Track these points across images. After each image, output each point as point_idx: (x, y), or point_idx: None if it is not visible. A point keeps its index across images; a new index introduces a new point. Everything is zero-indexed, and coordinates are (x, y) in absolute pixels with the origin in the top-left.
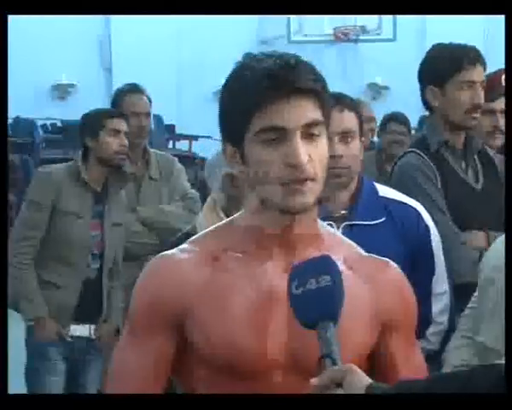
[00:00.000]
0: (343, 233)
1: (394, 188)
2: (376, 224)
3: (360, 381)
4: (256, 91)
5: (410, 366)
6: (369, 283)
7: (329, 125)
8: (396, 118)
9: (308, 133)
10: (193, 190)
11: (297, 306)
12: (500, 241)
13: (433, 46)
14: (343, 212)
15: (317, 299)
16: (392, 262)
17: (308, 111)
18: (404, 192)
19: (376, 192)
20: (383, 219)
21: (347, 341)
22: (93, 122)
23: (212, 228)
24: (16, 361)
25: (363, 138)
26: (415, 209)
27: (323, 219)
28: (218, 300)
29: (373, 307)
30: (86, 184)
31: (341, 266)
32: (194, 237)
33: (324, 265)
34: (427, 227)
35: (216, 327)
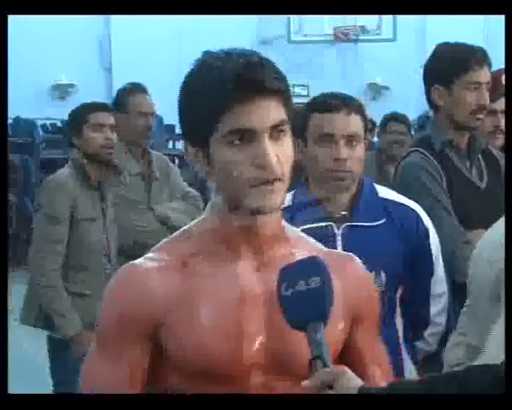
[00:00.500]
0: (343, 234)
1: (398, 187)
2: (376, 225)
3: (352, 383)
4: (224, 92)
5: (376, 360)
6: (336, 278)
7: (336, 128)
8: (396, 118)
9: (275, 133)
10: (191, 189)
11: (287, 307)
12: (484, 239)
13: (439, 45)
14: (343, 213)
15: (306, 300)
16: (355, 257)
17: (275, 111)
18: (408, 191)
19: (376, 193)
20: (383, 220)
21: (327, 337)
22: (76, 118)
23: (177, 233)
24: (16, 361)
25: (365, 142)
26: (414, 211)
27: (324, 219)
28: (190, 306)
29: (344, 301)
30: (92, 185)
31: None
32: (159, 244)
33: (314, 266)
34: (426, 229)
35: (191, 333)
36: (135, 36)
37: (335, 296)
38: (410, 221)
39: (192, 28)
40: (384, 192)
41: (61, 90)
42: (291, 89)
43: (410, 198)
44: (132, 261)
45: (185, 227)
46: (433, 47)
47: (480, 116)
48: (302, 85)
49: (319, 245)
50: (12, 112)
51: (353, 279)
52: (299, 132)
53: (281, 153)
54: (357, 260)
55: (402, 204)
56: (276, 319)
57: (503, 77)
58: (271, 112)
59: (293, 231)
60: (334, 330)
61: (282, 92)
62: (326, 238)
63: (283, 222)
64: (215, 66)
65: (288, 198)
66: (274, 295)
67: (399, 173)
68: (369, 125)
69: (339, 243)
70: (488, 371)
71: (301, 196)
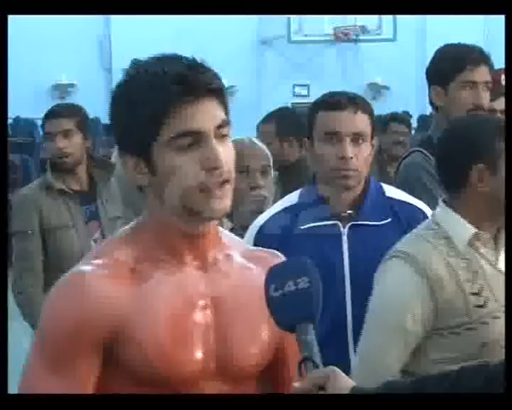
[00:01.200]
0: (349, 233)
1: (399, 187)
2: (382, 224)
3: (344, 384)
4: (168, 95)
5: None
6: (264, 275)
7: (341, 126)
8: (396, 118)
9: (219, 135)
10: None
11: (276, 308)
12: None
13: (441, 46)
14: (349, 212)
15: (295, 301)
16: (279, 254)
17: (217, 111)
18: (408, 191)
19: (383, 193)
20: (389, 219)
21: (266, 333)
22: (42, 128)
23: (116, 237)
24: (16, 361)
25: (373, 141)
26: (421, 210)
27: (329, 218)
28: (140, 312)
29: None
30: (65, 192)
31: (241, 261)
32: (99, 249)
33: (302, 266)
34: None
35: (142, 340)
36: (135, 36)
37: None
38: (417, 221)
39: (192, 28)
40: (391, 191)
41: (61, 90)
42: (226, 90)
43: None
44: (78, 268)
45: (124, 230)
46: (433, 47)
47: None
48: (302, 85)
49: (245, 244)
50: (12, 112)
51: None
52: (306, 131)
53: (227, 154)
54: (282, 256)
55: (409, 203)
56: (223, 323)
57: (503, 77)
58: (215, 112)
59: (224, 232)
60: (273, 330)
61: (221, 93)
62: (331, 237)
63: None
64: (154, 70)
65: (294, 197)
66: (220, 299)
67: (400, 173)
68: None
69: (344, 241)
70: (481, 370)
71: (308, 194)
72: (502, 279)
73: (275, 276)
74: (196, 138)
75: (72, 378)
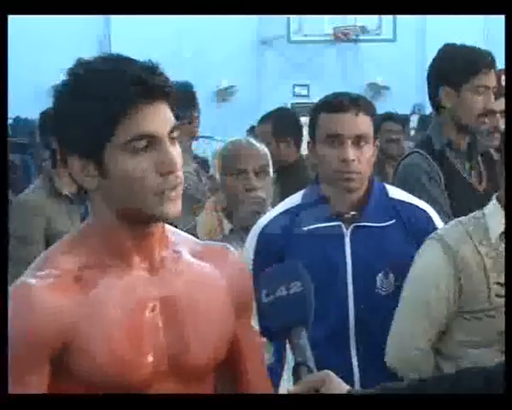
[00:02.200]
0: (352, 234)
1: (398, 187)
2: (385, 226)
3: (339, 387)
4: (124, 98)
5: (253, 349)
6: (218, 268)
7: (343, 128)
8: (391, 117)
9: (171, 138)
10: None
11: (267, 314)
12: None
13: (447, 46)
14: (353, 213)
15: (288, 306)
16: (229, 246)
17: (169, 115)
18: (407, 192)
19: (386, 193)
20: (392, 221)
21: (219, 330)
22: None
23: (58, 245)
24: None
25: (376, 143)
26: (424, 211)
27: (332, 219)
28: (89, 320)
29: (228, 291)
30: (68, 198)
31: (190, 257)
32: (42, 258)
33: (293, 271)
34: (436, 229)
35: (92, 347)
36: (135, 36)
37: (222, 289)
38: (420, 222)
39: (192, 28)
40: (394, 193)
41: None
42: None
43: None
44: (21, 281)
45: (66, 238)
46: (433, 47)
47: (486, 120)
48: (302, 85)
49: (195, 239)
50: (12, 112)
51: (231, 268)
52: (309, 132)
53: (179, 158)
54: (232, 248)
55: (412, 205)
56: (175, 324)
57: (502, 77)
58: (167, 116)
59: (171, 230)
60: (225, 324)
61: (173, 96)
62: (334, 238)
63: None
64: (109, 70)
65: (297, 198)
66: (170, 299)
67: (399, 173)
68: None
69: (347, 242)
70: (481, 371)
71: (310, 195)
72: None
73: (266, 281)
74: (151, 141)
75: (26, 389)
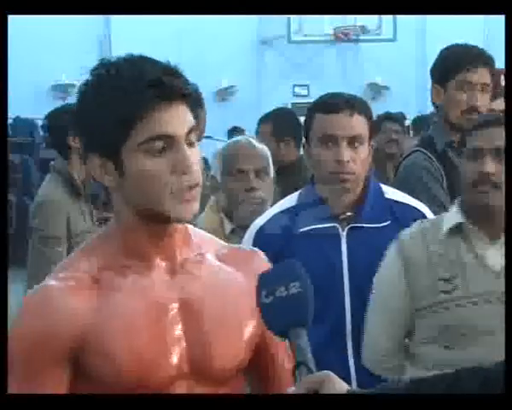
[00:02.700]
0: (348, 235)
1: (399, 187)
2: (381, 226)
3: (338, 387)
4: (141, 99)
5: (282, 353)
6: (242, 272)
7: (338, 129)
8: (390, 117)
9: (189, 140)
10: None
11: (268, 314)
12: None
13: (447, 46)
14: (349, 214)
15: (287, 306)
16: (258, 250)
17: (188, 117)
18: (409, 191)
19: (382, 194)
20: (389, 221)
21: (242, 334)
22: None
23: (81, 248)
24: None
25: (372, 143)
26: (420, 212)
27: (328, 220)
28: (108, 322)
29: (253, 294)
30: (80, 194)
31: (215, 260)
32: (65, 262)
33: (292, 271)
34: None
35: (111, 350)
36: (135, 36)
37: (248, 293)
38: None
39: (192, 28)
40: (391, 193)
41: (61, 90)
42: (200, 97)
43: None
44: (43, 283)
45: (90, 240)
46: (433, 47)
47: (473, 117)
48: (302, 85)
49: (222, 242)
50: (12, 112)
51: (257, 272)
52: (304, 133)
53: (196, 159)
54: (260, 252)
55: (408, 205)
56: (195, 325)
57: (502, 77)
58: (186, 117)
59: (196, 232)
60: (251, 328)
61: (192, 98)
62: (331, 239)
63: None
64: (129, 72)
65: (293, 198)
66: (190, 301)
67: (400, 173)
68: None
69: (343, 243)
70: (479, 372)
71: (306, 196)
72: (484, 273)
73: (266, 281)
74: (168, 143)
75: (38, 390)
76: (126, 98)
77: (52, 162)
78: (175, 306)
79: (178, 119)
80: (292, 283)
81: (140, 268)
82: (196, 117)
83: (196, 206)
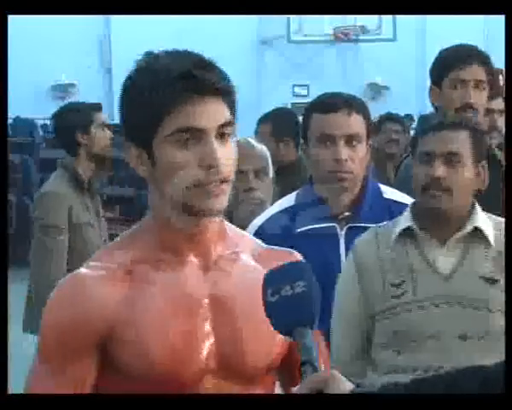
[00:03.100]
0: (347, 235)
1: (400, 186)
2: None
3: (343, 387)
4: (171, 92)
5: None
6: None
7: (335, 129)
8: (391, 117)
9: (221, 134)
10: None
11: (273, 313)
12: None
13: (443, 48)
14: (347, 214)
15: (293, 305)
16: (294, 251)
17: (221, 111)
18: (408, 191)
19: (381, 194)
20: (387, 221)
21: (273, 333)
22: (82, 117)
23: (117, 240)
24: (16, 361)
25: (370, 141)
26: None
27: (327, 220)
28: (138, 313)
29: None
30: (84, 189)
31: (249, 259)
32: (100, 252)
33: (298, 270)
34: None
35: (140, 341)
36: (135, 36)
37: None
38: None
39: (192, 28)
40: (390, 193)
41: (61, 90)
42: (236, 92)
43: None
44: (76, 271)
45: (125, 233)
46: (433, 47)
47: (468, 115)
48: (302, 85)
49: (259, 242)
50: (12, 112)
51: None
52: (302, 132)
53: (227, 154)
54: (297, 253)
55: (406, 205)
56: (225, 322)
57: (500, 77)
58: (218, 112)
59: (234, 230)
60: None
61: (228, 94)
62: (329, 239)
63: (224, 221)
64: (162, 65)
65: (292, 198)
66: (222, 298)
67: (401, 173)
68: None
69: (342, 243)
70: (478, 372)
71: (304, 196)
72: (432, 277)
73: (272, 280)
74: (196, 135)
75: (65, 379)
76: (156, 91)
77: (60, 160)
78: (206, 301)
79: (208, 112)
80: (297, 282)
81: (173, 262)
82: (233, 112)
83: (224, 201)
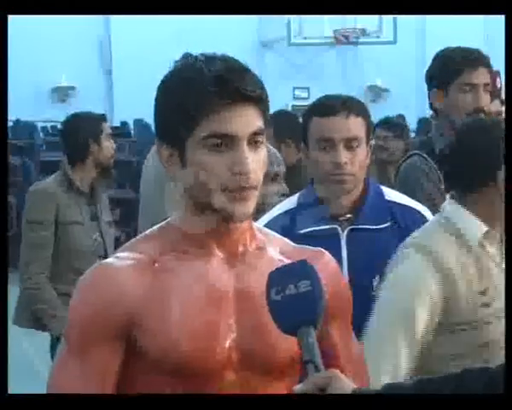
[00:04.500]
0: (348, 237)
1: (399, 189)
2: (381, 228)
3: (345, 386)
4: (205, 96)
5: (351, 354)
6: None
7: (334, 132)
8: (381, 123)
9: (253, 141)
10: None
11: (277, 312)
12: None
13: (441, 50)
14: (348, 216)
15: (296, 304)
16: (326, 252)
17: (254, 119)
18: (407, 193)
19: (383, 195)
20: (388, 223)
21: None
22: (94, 125)
23: (147, 232)
24: (16, 361)
25: (370, 143)
26: (420, 213)
27: (328, 222)
28: (162, 303)
29: None
30: (78, 190)
31: (276, 256)
32: (128, 244)
33: (303, 270)
34: None
35: (163, 331)
36: (135, 37)
37: None
38: (417, 224)
39: (192, 30)
40: (391, 195)
41: (62, 93)
42: (268, 99)
43: None
44: (103, 260)
45: (155, 227)
46: (433, 49)
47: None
48: (302, 88)
49: (288, 241)
50: (12, 114)
51: (324, 275)
52: (301, 136)
53: (257, 161)
54: (328, 254)
55: (408, 207)
56: (248, 316)
57: (498, 80)
58: (251, 119)
59: (262, 228)
60: None
61: (261, 101)
62: (330, 241)
63: (252, 221)
64: (198, 68)
65: (293, 200)
66: (246, 292)
67: (400, 174)
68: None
69: (343, 245)
70: (484, 372)
71: (306, 198)
72: (502, 279)
73: (276, 279)
74: (227, 141)
75: (90, 369)
76: (190, 95)
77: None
78: (230, 295)
79: (241, 119)
80: (301, 281)
81: (199, 255)
82: (265, 120)
83: (250, 207)
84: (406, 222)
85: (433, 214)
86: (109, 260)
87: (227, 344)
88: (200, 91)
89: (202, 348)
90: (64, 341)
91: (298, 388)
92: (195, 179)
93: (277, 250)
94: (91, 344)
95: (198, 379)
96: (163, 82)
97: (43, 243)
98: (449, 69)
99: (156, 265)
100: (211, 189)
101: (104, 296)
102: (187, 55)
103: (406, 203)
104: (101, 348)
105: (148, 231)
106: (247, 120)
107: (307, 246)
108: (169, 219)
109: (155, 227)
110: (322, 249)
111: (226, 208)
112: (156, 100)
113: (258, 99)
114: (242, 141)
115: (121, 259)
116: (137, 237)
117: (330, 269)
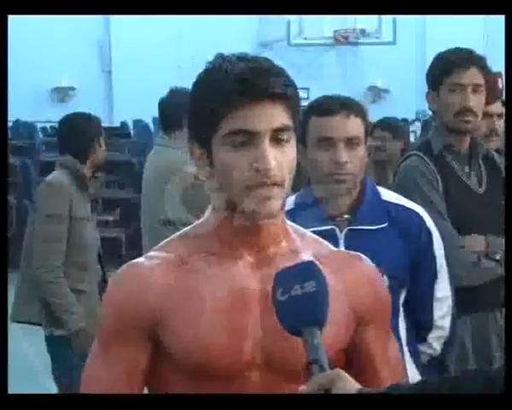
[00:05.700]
0: (346, 238)
1: (397, 189)
2: (379, 228)
3: (349, 386)
4: (227, 94)
5: (387, 357)
6: (340, 276)
7: (334, 131)
8: (379, 124)
9: (276, 138)
10: None
11: (282, 312)
12: None
13: (438, 53)
14: (346, 216)
15: (302, 305)
16: (363, 256)
17: (278, 116)
18: (404, 194)
19: (379, 196)
20: (386, 223)
21: (325, 336)
22: (98, 128)
23: (178, 233)
24: (16, 361)
25: (368, 143)
26: (417, 214)
27: (326, 223)
28: (189, 303)
29: (347, 300)
30: (86, 187)
31: (309, 259)
32: (160, 244)
33: (308, 270)
34: (429, 232)
35: (189, 331)
36: (135, 38)
37: (337, 296)
38: (414, 224)
39: (192, 31)
40: (388, 195)
41: (61, 93)
42: (299, 97)
43: None
44: (134, 260)
45: (187, 228)
46: (433, 50)
47: (467, 119)
48: (302, 88)
49: (326, 243)
50: (12, 115)
51: (357, 278)
52: (300, 136)
53: (281, 158)
54: (366, 259)
55: (405, 207)
56: (273, 318)
57: (499, 80)
58: (274, 116)
59: (297, 230)
60: (335, 330)
61: (287, 98)
62: (328, 241)
63: (286, 221)
64: (223, 68)
65: (291, 201)
66: (270, 294)
67: (398, 174)
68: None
69: (341, 246)
70: (481, 374)
71: (303, 198)
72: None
73: (282, 279)
74: (249, 138)
75: (118, 366)
76: (214, 94)
77: (59, 160)
78: (255, 296)
79: (263, 116)
80: (307, 282)
81: (227, 255)
82: (293, 117)
83: (273, 205)
84: (403, 222)
85: (431, 215)
86: (140, 259)
87: (251, 345)
88: (222, 90)
89: (226, 349)
90: (96, 339)
91: (302, 388)
92: (222, 178)
93: (311, 252)
94: (119, 341)
95: (222, 380)
96: (194, 83)
97: (59, 236)
98: (440, 70)
99: (185, 265)
100: (235, 187)
101: (130, 295)
102: (217, 56)
103: (403, 204)
104: (130, 347)
105: (182, 232)
106: (270, 116)
107: (346, 250)
108: (204, 218)
109: (190, 227)
110: (360, 254)
111: (249, 207)
112: (190, 101)
113: (282, 96)
114: (264, 138)
115: (151, 258)
116: (173, 236)
117: (366, 274)
